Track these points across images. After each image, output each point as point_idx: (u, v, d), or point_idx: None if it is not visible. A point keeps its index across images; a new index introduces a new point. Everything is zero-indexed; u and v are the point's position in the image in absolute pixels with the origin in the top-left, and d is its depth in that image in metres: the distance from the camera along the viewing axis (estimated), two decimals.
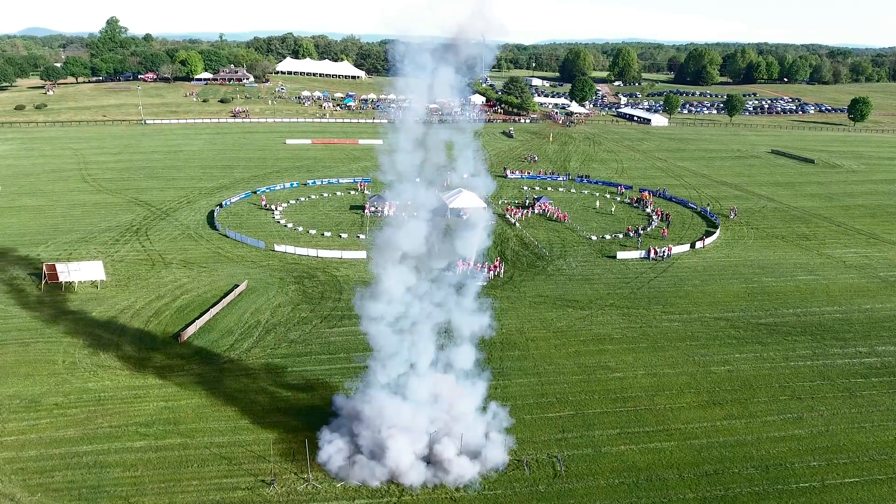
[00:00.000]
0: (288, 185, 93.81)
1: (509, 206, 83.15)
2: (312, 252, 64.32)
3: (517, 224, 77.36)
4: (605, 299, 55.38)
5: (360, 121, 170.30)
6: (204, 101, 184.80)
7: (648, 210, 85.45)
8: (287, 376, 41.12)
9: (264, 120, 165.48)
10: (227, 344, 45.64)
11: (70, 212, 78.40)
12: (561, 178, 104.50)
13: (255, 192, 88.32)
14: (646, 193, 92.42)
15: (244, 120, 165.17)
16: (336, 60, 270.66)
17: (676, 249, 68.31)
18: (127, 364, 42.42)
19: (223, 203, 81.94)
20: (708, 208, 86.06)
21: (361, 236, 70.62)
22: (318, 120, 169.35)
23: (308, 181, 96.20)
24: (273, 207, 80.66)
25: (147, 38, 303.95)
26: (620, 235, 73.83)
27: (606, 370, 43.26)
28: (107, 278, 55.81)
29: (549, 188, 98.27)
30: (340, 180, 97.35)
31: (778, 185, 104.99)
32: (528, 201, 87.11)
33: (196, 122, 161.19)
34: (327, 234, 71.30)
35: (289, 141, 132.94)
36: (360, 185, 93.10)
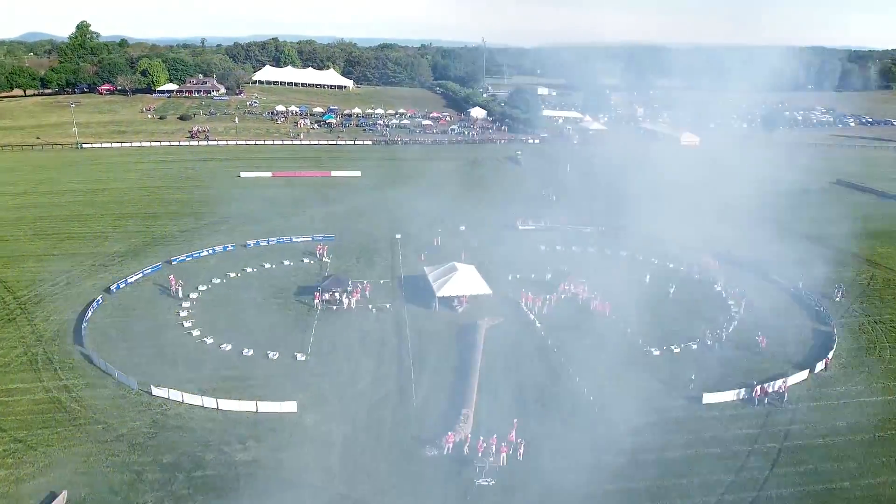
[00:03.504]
0: (221, 248, 69.04)
1: (525, 293, 57.92)
2: (210, 402, 39.60)
3: (537, 322, 52.53)
4: None
5: (340, 143, 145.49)
6: (161, 118, 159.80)
7: (719, 288, 60.74)
8: None
9: (225, 143, 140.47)
10: None
11: None
12: (589, 230, 79.57)
13: (169, 262, 63.76)
14: (708, 258, 67.35)
15: (201, 143, 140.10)
16: (321, 68, 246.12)
17: (790, 380, 43.60)
18: None
19: (115, 286, 57.33)
20: (801, 286, 60.97)
21: (300, 356, 45.98)
22: (290, 142, 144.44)
23: (248, 242, 71.27)
24: (181, 292, 55.92)
25: (122, 43, 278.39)
26: (694, 346, 49.10)
27: None
28: None
29: (575, 247, 73.26)
30: (294, 239, 72.54)
31: (871, 237, 79.87)
32: (549, 276, 62.14)
33: (143, 145, 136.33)
34: (247, 351, 46.55)
35: (243, 174, 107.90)
36: (319, 249, 68.27)
